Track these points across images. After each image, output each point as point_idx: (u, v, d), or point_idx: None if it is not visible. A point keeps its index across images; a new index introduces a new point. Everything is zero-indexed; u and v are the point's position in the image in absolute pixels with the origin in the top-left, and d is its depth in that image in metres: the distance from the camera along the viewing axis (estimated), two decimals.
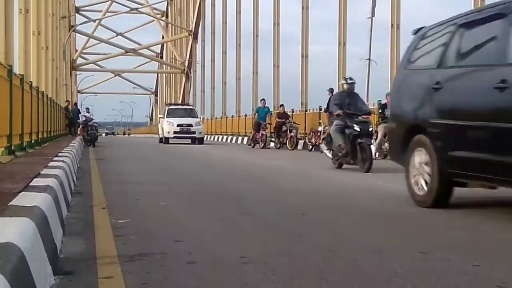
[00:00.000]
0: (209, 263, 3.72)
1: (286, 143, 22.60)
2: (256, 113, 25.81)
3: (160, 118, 31.67)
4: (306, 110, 26.85)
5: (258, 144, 24.51)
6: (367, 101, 24.90)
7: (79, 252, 4.04)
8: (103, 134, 68.63)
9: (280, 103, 25.78)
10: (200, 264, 3.69)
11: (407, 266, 3.64)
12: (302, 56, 30.39)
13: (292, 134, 22.43)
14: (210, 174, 11.09)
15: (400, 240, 4.48)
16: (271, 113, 25.84)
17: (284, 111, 23.87)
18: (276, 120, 23.54)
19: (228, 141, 35.75)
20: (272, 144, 24.60)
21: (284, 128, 22.84)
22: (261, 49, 37.95)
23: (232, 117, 39.37)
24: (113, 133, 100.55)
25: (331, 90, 22.74)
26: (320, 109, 23.95)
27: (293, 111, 26.04)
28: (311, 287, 3.20)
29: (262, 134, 24.47)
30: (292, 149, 21.82)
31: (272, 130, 24.89)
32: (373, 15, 36.32)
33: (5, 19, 14.30)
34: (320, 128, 21.20)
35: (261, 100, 26.85)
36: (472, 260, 3.79)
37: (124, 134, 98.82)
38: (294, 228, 4.98)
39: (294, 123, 23.23)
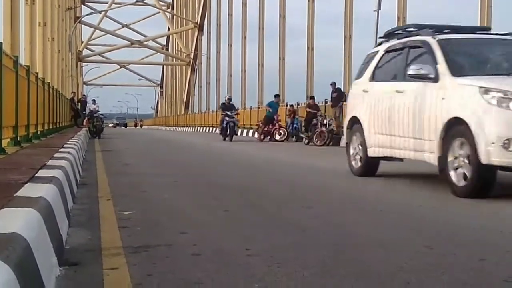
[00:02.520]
0: (214, 255, 3.72)
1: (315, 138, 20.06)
2: (269, 108, 25.13)
3: (369, 87, 8.94)
4: None
5: (271, 138, 23.84)
6: None
7: (85, 243, 4.05)
8: (110, 125, 67.18)
9: (311, 95, 24.25)
10: (205, 256, 3.69)
11: (413, 260, 3.63)
12: (308, 49, 30.35)
13: (323, 128, 19.99)
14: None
15: (406, 234, 4.47)
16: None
17: (315, 103, 22.22)
18: (307, 110, 21.50)
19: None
20: (277, 137, 23.97)
21: (314, 121, 20.60)
22: (267, 42, 37.95)
23: (247, 108, 39.29)
24: (125, 125, 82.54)
25: (334, 84, 22.44)
26: (326, 102, 23.95)
27: (298, 104, 26.00)
28: (316, 280, 3.20)
29: (280, 126, 23.88)
30: (322, 145, 19.33)
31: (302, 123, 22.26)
32: (379, 8, 36.22)
33: (11, 10, 14.35)
34: (325, 121, 21.15)
35: (276, 96, 26.14)
36: (478, 254, 3.78)
37: (135, 126, 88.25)
38: (300, 222, 4.98)
39: (334, 117, 20.84)
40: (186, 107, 63.08)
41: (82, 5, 65.87)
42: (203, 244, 4.03)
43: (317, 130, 20.02)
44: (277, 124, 24.12)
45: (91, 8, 66.75)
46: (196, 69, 58.76)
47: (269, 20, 38.05)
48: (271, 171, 10.27)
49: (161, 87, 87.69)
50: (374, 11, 36.08)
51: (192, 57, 60.27)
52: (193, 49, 60.01)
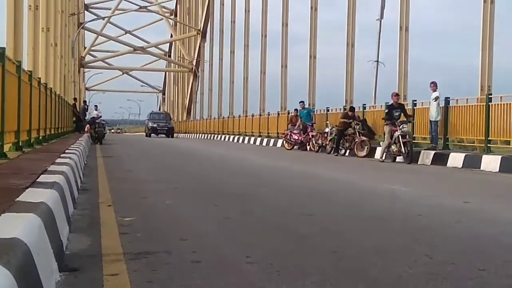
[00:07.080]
0: (214, 262, 3.73)
1: (354, 149, 18.50)
2: (300, 117, 23.83)
3: None
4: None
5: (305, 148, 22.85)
6: (375, 102, 24.87)
7: (85, 249, 4.06)
8: (112, 131, 63.12)
9: (350, 106, 21.56)
10: (205, 263, 3.70)
11: (412, 269, 3.63)
12: (310, 57, 30.36)
13: (363, 138, 18.30)
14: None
15: (406, 243, 4.47)
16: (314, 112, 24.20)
17: (354, 115, 19.57)
18: (341, 121, 19.37)
19: (248, 142, 35.30)
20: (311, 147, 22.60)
21: (350, 130, 18.86)
22: (269, 49, 38.01)
23: (249, 116, 39.29)
24: (170, 131, 46.74)
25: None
26: (328, 110, 23.94)
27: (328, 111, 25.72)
28: None
29: (312, 136, 22.38)
30: (364, 157, 17.44)
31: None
32: (381, 17, 36.30)
33: (14, 15, 14.39)
34: (327, 130, 21.13)
35: (300, 102, 24.70)
36: (477, 264, 3.78)
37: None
38: (300, 229, 4.98)
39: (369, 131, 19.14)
40: (188, 114, 63.13)
41: (85, 11, 65.98)
42: (203, 251, 4.04)
43: (356, 140, 18.42)
44: (310, 134, 22.60)
45: (94, 14, 66.82)
46: (198, 76, 58.83)
47: (271, 27, 38.20)
48: None
49: (163, 94, 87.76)
50: (376, 20, 36.27)
51: (194, 64, 60.34)
52: (196, 56, 60.09)
